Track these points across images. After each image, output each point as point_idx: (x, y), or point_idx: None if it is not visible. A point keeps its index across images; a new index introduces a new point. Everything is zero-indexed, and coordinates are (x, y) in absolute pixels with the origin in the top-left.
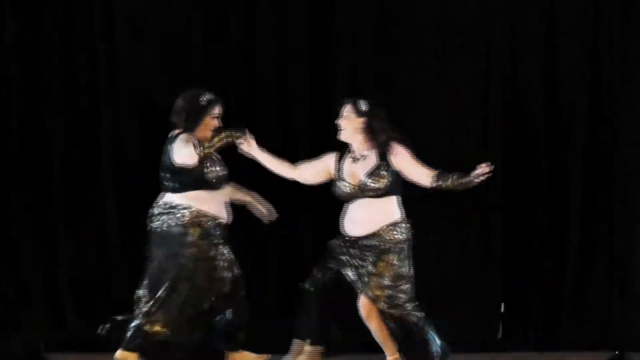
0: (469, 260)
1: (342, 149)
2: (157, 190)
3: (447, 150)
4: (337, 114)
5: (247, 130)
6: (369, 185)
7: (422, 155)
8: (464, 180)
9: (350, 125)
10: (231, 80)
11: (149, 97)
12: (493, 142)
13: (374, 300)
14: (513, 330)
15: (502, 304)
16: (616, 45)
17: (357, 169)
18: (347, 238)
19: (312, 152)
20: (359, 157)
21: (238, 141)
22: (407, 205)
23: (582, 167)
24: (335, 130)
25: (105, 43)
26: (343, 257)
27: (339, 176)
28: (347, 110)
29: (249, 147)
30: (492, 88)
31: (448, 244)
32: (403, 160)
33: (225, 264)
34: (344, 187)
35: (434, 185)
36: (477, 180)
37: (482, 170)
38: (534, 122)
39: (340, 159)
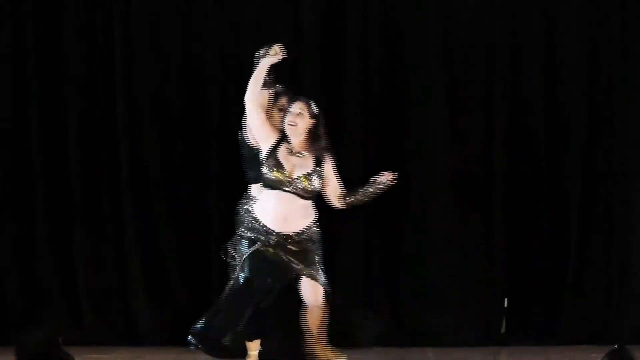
0: (473, 258)
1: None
2: (173, 191)
3: (449, 150)
4: (346, 115)
5: (280, 45)
6: (302, 185)
7: (424, 155)
8: (367, 191)
9: (302, 124)
10: (244, 81)
11: (165, 101)
12: (494, 142)
13: (322, 283)
14: (515, 325)
15: (506, 299)
16: (616, 46)
17: (295, 163)
18: (275, 235)
19: None
20: (297, 153)
21: (273, 54)
22: (413, 202)
23: (582, 167)
24: (343, 130)
25: (123, 48)
26: (281, 263)
27: (272, 157)
28: (301, 107)
29: (274, 58)
30: (493, 88)
31: (453, 242)
32: (330, 172)
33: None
34: (277, 172)
35: (344, 205)
36: (381, 187)
37: (385, 177)
38: (534, 123)
39: (278, 143)
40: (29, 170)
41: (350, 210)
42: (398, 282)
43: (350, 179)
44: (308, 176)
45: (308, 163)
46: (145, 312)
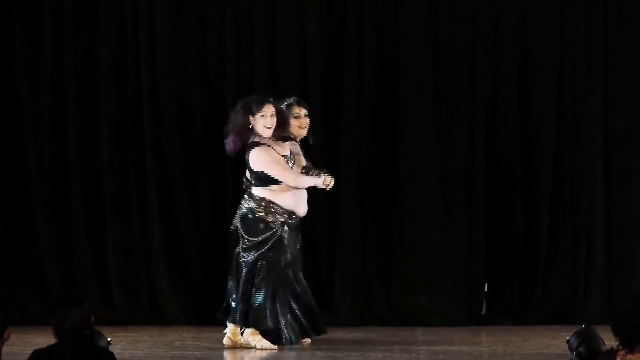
0: (457, 248)
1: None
2: (193, 189)
3: (436, 150)
4: (344, 118)
5: (331, 179)
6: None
7: (414, 155)
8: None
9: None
10: (254, 87)
11: (185, 109)
12: (476, 143)
13: None
14: (494, 307)
15: (486, 284)
16: (580, 73)
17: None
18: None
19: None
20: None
21: (324, 184)
22: (404, 196)
23: (551, 167)
24: (341, 130)
25: (149, 63)
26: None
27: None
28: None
29: (322, 185)
30: (475, 98)
31: (439, 233)
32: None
33: None
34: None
35: None
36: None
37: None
38: (510, 126)
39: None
40: (66, 171)
41: (348, 203)
42: (390, 268)
43: (348, 175)
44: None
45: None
46: (168, 295)
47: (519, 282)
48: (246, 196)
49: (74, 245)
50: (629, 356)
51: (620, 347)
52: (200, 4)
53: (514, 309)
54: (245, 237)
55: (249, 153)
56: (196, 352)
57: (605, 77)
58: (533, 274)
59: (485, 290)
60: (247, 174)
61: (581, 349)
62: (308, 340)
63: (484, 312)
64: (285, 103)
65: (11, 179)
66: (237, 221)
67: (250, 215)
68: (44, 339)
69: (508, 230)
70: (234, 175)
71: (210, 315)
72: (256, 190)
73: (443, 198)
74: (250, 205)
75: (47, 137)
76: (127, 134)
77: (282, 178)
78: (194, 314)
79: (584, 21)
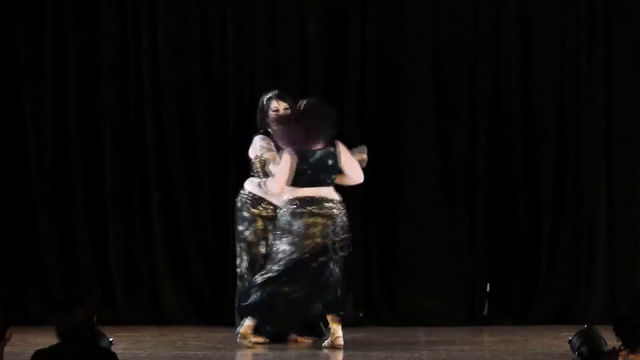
0: (459, 248)
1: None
2: (194, 189)
3: (438, 152)
4: (345, 121)
5: None
6: None
7: (416, 156)
8: None
9: None
10: (255, 87)
11: (188, 109)
12: (477, 145)
13: None
14: (496, 307)
15: (487, 284)
16: (582, 72)
17: None
18: None
19: None
20: None
21: None
22: (406, 197)
23: (553, 167)
24: (343, 134)
25: (150, 56)
26: None
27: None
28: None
29: None
30: (476, 99)
31: (441, 233)
32: None
33: None
34: None
35: None
36: None
37: None
38: (512, 128)
39: None
40: (67, 171)
41: (349, 204)
42: (391, 269)
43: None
44: None
45: None
46: (170, 295)
47: (521, 282)
48: (330, 200)
49: (75, 245)
50: (630, 356)
51: (622, 348)
52: (200, 3)
53: (516, 309)
54: (343, 234)
55: (338, 147)
56: (198, 352)
57: (608, 76)
58: (535, 274)
59: (487, 290)
60: (327, 172)
61: (583, 349)
62: (309, 340)
63: (485, 312)
64: (267, 96)
65: (12, 178)
66: (335, 224)
67: (342, 215)
68: (46, 339)
69: (510, 230)
70: (234, 175)
71: (211, 315)
72: (328, 192)
73: (444, 198)
74: (342, 207)
75: (49, 137)
76: (128, 134)
77: (360, 174)
78: (195, 314)
79: (586, 20)
